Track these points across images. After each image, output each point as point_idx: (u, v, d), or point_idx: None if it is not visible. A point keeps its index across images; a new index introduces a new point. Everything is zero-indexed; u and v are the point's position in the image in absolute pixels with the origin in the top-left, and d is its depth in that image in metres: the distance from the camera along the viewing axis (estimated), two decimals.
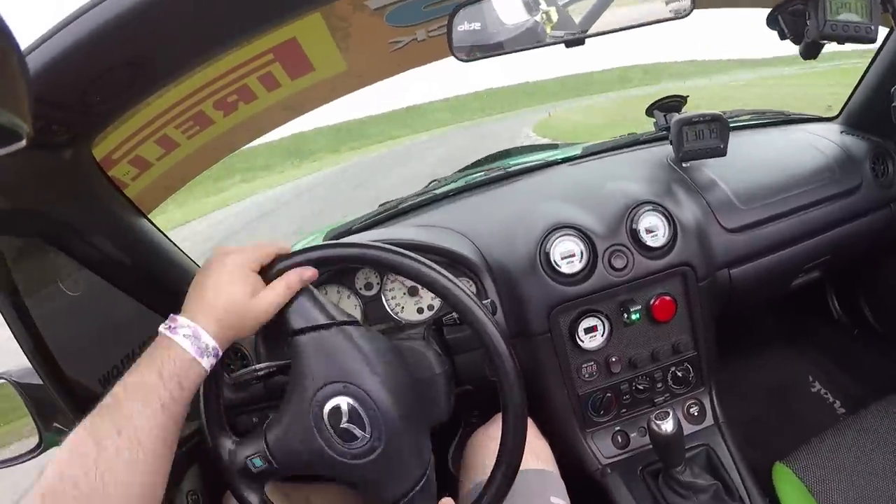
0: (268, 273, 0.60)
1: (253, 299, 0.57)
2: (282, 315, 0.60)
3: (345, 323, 0.62)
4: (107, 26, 0.50)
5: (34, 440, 0.83)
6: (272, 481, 0.66)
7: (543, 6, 0.74)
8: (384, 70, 0.95)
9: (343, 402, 0.59)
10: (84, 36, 0.50)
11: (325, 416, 0.60)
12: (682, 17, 0.71)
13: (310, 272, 0.60)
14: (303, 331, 0.60)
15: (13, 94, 0.28)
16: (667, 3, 0.75)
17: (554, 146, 1.61)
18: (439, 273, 0.61)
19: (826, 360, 1.55)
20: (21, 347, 0.70)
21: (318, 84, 0.90)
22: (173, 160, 0.94)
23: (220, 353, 0.56)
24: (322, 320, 0.61)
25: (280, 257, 0.62)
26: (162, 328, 0.54)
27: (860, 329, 1.50)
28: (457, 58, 0.73)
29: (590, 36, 0.70)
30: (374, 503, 0.65)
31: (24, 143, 0.31)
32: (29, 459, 0.81)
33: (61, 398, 0.74)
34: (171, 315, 0.55)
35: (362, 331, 0.64)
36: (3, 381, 0.82)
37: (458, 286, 0.60)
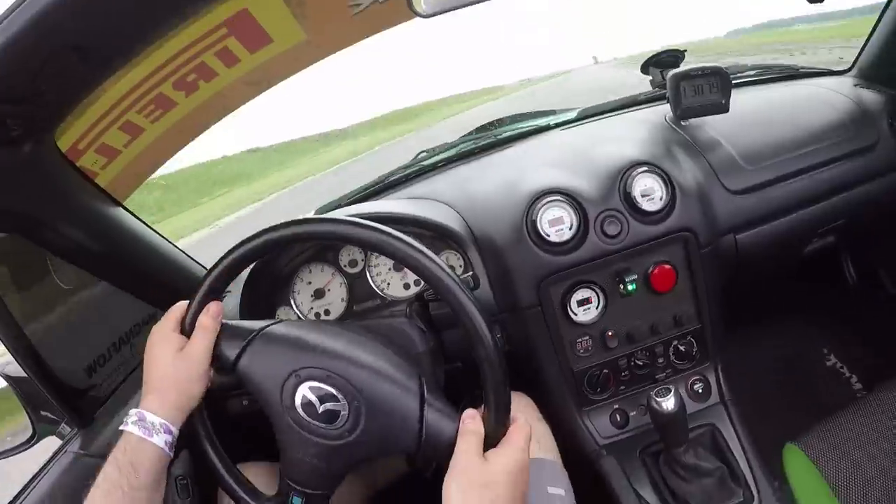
0: (185, 327, 0.63)
1: (180, 356, 0.60)
2: (219, 358, 0.62)
3: (264, 328, 0.64)
4: (44, 11, 0.49)
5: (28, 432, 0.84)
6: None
7: None
8: (347, 37, 0.92)
9: (304, 389, 0.59)
10: (24, 25, 0.49)
11: (304, 414, 0.59)
12: None
13: (214, 307, 0.62)
14: (238, 357, 0.62)
15: None
16: None
17: (551, 112, 1.52)
18: (410, 245, 0.58)
19: (842, 330, 1.45)
20: (2, 341, 0.71)
21: (278, 56, 0.87)
22: (141, 146, 0.92)
23: (174, 428, 0.58)
24: (246, 337, 0.63)
25: (187, 306, 0.64)
26: (120, 426, 0.58)
27: (878, 296, 1.40)
28: (418, 13, 0.70)
29: None
30: (393, 465, 0.65)
31: None
32: (24, 450, 0.83)
33: (46, 390, 0.75)
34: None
35: (286, 324, 0.65)
36: None
37: (432, 259, 0.58)
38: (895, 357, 1.28)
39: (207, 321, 0.62)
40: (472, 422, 0.58)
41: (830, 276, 1.48)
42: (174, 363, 0.60)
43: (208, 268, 1.13)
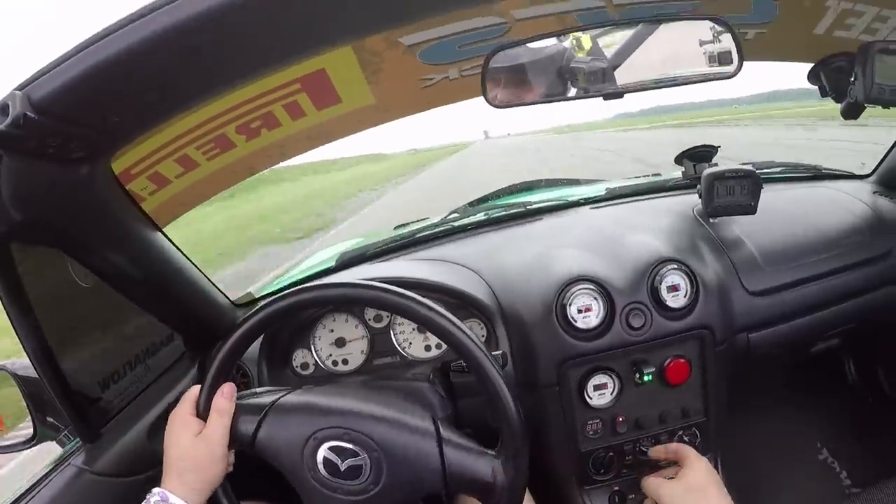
0: (200, 411, 0.64)
1: (198, 438, 0.61)
2: (236, 437, 0.63)
3: (276, 400, 0.65)
4: (144, 42, 0.48)
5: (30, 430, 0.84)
6: None
7: (578, 57, 0.72)
8: (412, 106, 0.95)
9: (324, 451, 0.60)
10: (119, 53, 0.48)
11: (327, 474, 0.60)
12: (729, 77, 0.68)
13: (228, 388, 0.64)
14: (255, 433, 0.63)
15: None
16: (709, 62, 0.72)
17: (576, 181, 1.59)
18: (449, 321, 0.59)
19: (837, 427, 1.46)
20: (20, 341, 0.69)
21: (344, 116, 0.89)
22: (192, 179, 0.93)
23: None
24: (260, 412, 0.63)
25: (200, 389, 0.65)
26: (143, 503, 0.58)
27: (875, 398, 1.41)
28: (488, 101, 0.71)
29: (629, 91, 0.67)
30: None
31: None
32: (22, 449, 0.83)
33: (56, 396, 0.72)
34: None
35: (296, 392, 0.67)
36: (2, 371, 0.82)
37: (468, 335, 0.59)
38: (887, 457, 1.28)
39: (222, 403, 0.63)
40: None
41: (830, 372, 1.50)
42: (194, 447, 0.61)
43: (233, 300, 1.11)
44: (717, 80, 0.71)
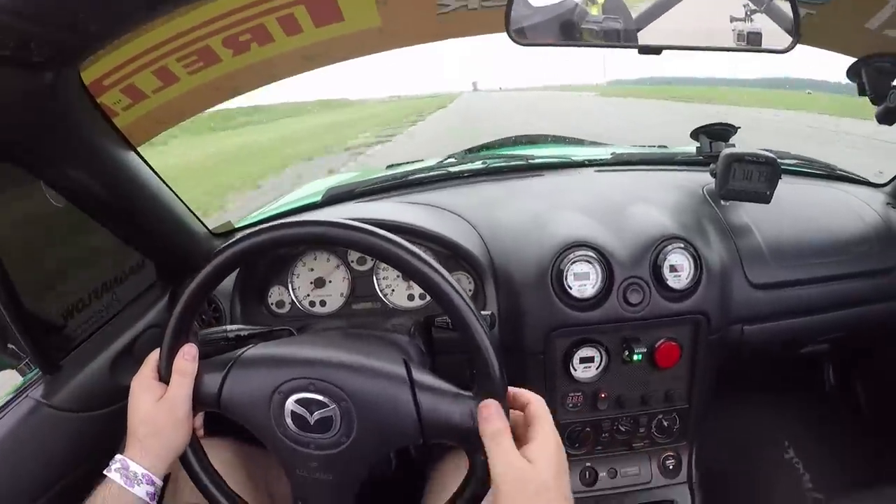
0: (163, 374, 0.61)
1: (160, 402, 0.59)
2: (200, 397, 0.60)
3: (238, 356, 0.62)
4: None
5: None
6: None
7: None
8: (421, 34, 0.86)
9: (291, 404, 0.57)
10: None
11: (296, 428, 0.57)
12: (781, 52, 0.63)
13: (188, 349, 0.61)
14: (219, 391, 0.60)
15: None
16: (737, 39, 0.67)
17: (580, 141, 1.50)
18: (439, 274, 0.54)
19: (806, 429, 1.48)
20: None
21: (344, 37, 0.80)
22: (171, 94, 0.84)
23: (157, 478, 0.58)
24: (223, 368, 0.60)
25: (161, 352, 0.61)
26: (105, 470, 0.57)
27: (848, 408, 1.43)
28: (511, 37, 0.65)
29: (668, 48, 0.62)
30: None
31: None
32: None
33: (13, 323, 0.69)
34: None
35: (259, 346, 0.64)
36: None
37: (459, 292, 0.55)
38: (850, 466, 1.31)
39: (184, 365, 0.60)
40: (497, 421, 0.51)
41: (808, 375, 1.53)
42: (156, 411, 0.58)
43: (210, 229, 1.06)
44: (768, 52, 0.66)
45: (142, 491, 0.56)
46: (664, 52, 0.72)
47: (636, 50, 0.65)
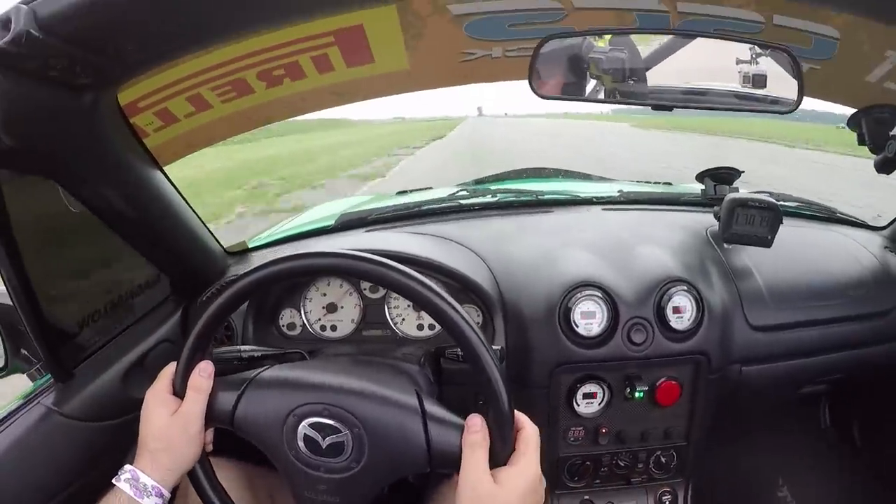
0: (178, 389, 0.61)
1: (174, 417, 0.59)
2: (214, 413, 0.61)
3: (255, 375, 0.63)
4: None
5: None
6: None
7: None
8: (446, 78, 0.89)
9: (304, 427, 0.58)
10: None
11: (308, 452, 0.58)
12: (786, 112, 0.64)
13: (205, 365, 0.61)
14: (234, 409, 0.61)
15: None
16: (743, 81, 0.68)
17: (588, 177, 1.56)
18: (454, 310, 0.56)
19: (800, 467, 1.48)
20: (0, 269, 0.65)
21: (373, 77, 0.83)
22: (202, 120, 0.88)
23: (166, 490, 0.58)
24: (238, 387, 0.61)
25: (177, 367, 0.62)
26: (114, 479, 0.57)
27: (844, 447, 1.42)
28: (533, 90, 0.67)
29: (679, 106, 0.63)
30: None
31: None
32: None
33: (30, 329, 0.69)
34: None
35: (276, 367, 0.65)
36: None
37: (472, 326, 0.56)
38: None
39: (199, 382, 0.60)
40: (477, 434, 0.54)
41: (804, 413, 1.51)
42: (169, 426, 0.59)
43: (226, 248, 1.07)
44: (772, 113, 0.67)
45: (150, 502, 0.55)
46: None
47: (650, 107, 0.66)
